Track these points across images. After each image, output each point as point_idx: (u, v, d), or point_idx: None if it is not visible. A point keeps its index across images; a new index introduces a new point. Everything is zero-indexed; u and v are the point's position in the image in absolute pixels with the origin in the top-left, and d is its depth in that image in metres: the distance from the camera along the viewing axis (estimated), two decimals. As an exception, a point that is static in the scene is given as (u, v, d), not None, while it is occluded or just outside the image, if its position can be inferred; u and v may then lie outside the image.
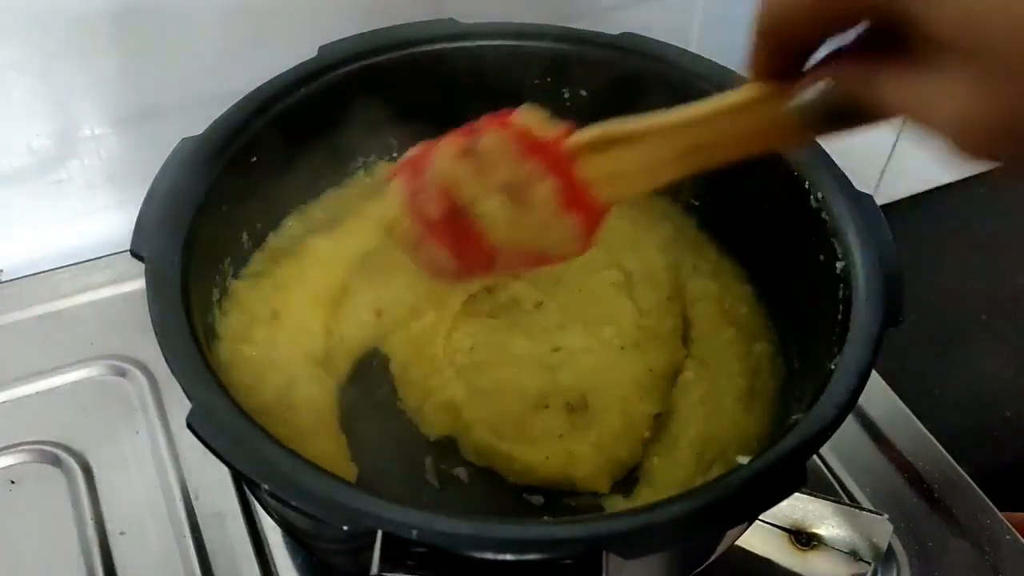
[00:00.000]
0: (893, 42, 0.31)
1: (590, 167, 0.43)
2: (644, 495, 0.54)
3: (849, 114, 0.35)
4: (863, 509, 0.59)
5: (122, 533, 0.58)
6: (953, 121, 0.30)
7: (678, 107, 0.41)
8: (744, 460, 0.44)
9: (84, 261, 0.72)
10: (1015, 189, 1.15)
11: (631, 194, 0.44)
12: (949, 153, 0.31)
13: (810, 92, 0.35)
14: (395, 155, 0.68)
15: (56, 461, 0.61)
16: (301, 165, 0.62)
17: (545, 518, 0.53)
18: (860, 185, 0.56)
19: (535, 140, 0.44)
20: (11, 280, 0.71)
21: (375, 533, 0.38)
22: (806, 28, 0.33)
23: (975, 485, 0.64)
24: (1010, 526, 0.61)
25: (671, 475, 0.54)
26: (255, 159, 0.57)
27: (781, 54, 0.35)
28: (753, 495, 0.42)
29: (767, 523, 0.58)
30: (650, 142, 0.41)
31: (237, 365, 0.54)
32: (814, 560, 0.57)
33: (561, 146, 0.44)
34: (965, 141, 0.30)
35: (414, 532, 0.38)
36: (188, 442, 0.53)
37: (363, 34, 0.62)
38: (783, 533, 0.58)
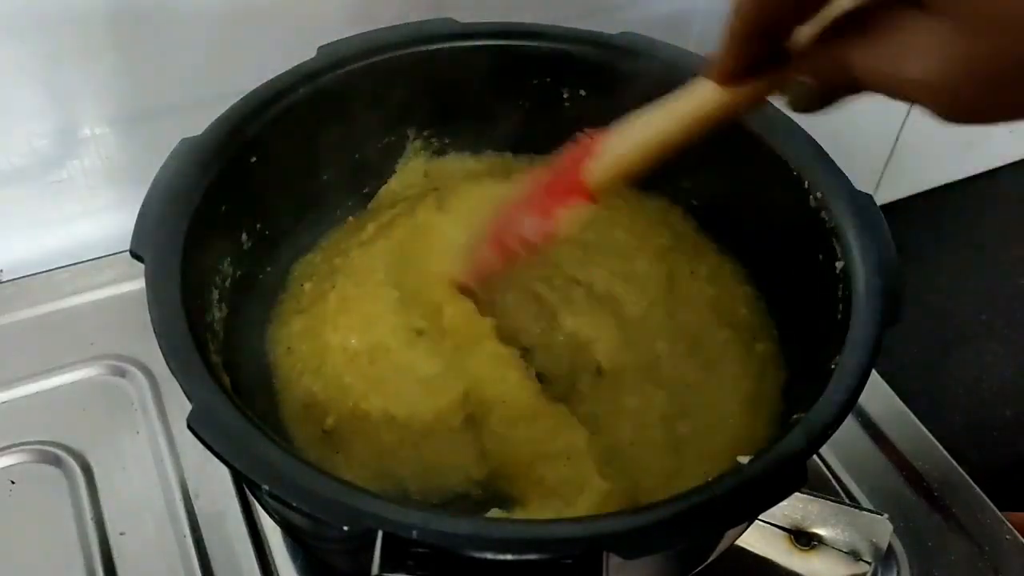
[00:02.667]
0: (859, 22, 0.31)
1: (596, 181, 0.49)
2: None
3: (828, 97, 0.37)
4: (863, 509, 0.59)
5: (122, 533, 0.58)
6: (928, 81, 0.29)
7: (665, 113, 0.44)
8: (744, 460, 0.44)
9: (84, 261, 0.72)
10: (1015, 189, 1.15)
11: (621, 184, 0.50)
12: (935, 118, 0.31)
13: (790, 89, 0.38)
14: (392, 151, 0.68)
15: (56, 461, 0.61)
16: (300, 164, 0.62)
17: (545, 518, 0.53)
18: (860, 185, 0.56)
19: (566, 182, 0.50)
20: (11, 280, 0.71)
21: (375, 533, 0.38)
22: (784, 9, 0.33)
23: (975, 485, 0.64)
24: (1010, 526, 0.61)
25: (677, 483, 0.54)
26: (255, 159, 0.57)
27: (757, 42, 0.36)
28: (753, 495, 0.42)
29: (767, 523, 0.58)
30: (650, 155, 0.46)
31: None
32: (814, 560, 0.57)
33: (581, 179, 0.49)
34: (943, 102, 0.29)
35: (414, 532, 0.38)
36: (188, 442, 0.53)
37: (363, 34, 0.62)
38: (783, 533, 0.58)
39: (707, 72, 0.40)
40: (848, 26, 0.32)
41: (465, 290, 0.59)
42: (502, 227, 0.54)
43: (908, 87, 0.30)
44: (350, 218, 0.67)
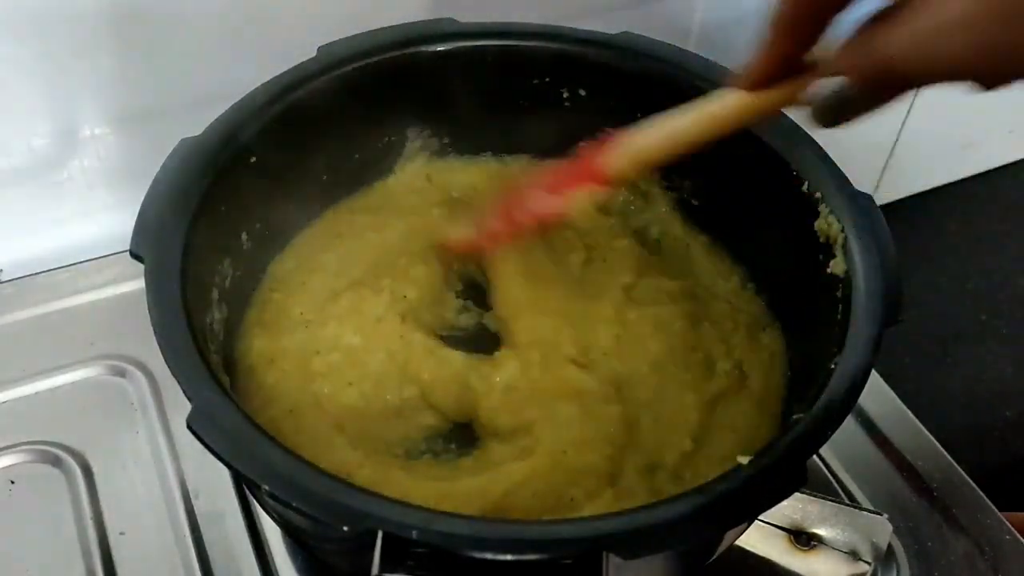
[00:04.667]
0: (891, 10, 0.31)
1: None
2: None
3: (857, 104, 0.37)
4: (863, 509, 0.59)
5: (122, 533, 0.58)
6: (963, 45, 0.27)
7: (687, 112, 0.46)
8: (744, 460, 0.44)
9: (84, 261, 0.72)
10: (1014, 189, 1.15)
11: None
12: (978, 91, 0.29)
13: (821, 92, 0.38)
14: (392, 152, 0.68)
15: (56, 461, 0.61)
16: (300, 165, 0.62)
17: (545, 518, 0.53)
18: (860, 185, 0.56)
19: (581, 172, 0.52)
20: (11, 280, 0.71)
21: (375, 533, 0.38)
22: None
23: (975, 485, 0.64)
24: (1010, 526, 0.61)
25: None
26: (254, 159, 0.57)
27: (799, 31, 0.36)
28: (753, 495, 0.42)
29: (767, 523, 0.58)
30: (668, 149, 0.48)
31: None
32: (814, 560, 0.57)
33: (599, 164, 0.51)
34: (985, 63, 0.27)
35: (414, 532, 0.38)
36: (188, 442, 0.53)
37: (363, 34, 0.62)
38: (783, 533, 0.58)
39: (735, 81, 0.40)
40: (881, 16, 0.32)
41: (447, 252, 0.59)
42: (513, 202, 0.55)
43: (943, 62, 0.28)
44: (328, 212, 0.66)
